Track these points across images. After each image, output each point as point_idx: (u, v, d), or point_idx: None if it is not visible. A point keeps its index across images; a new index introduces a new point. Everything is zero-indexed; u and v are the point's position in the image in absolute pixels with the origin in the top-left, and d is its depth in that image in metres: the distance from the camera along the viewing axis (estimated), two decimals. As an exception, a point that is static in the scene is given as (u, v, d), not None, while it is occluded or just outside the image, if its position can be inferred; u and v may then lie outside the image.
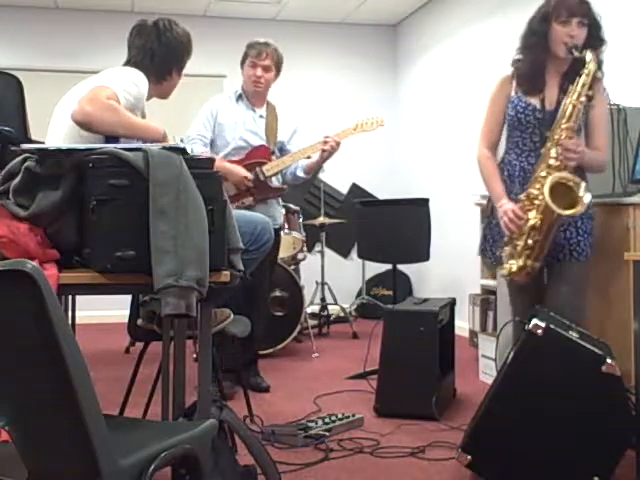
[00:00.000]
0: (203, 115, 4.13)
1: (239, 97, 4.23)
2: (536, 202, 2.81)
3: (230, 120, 4.13)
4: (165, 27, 2.78)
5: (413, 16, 7.35)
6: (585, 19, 2.85)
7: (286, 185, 4.30)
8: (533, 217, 2.81)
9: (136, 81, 2.60)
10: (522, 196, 2.86)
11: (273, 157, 4.15)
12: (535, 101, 2.93)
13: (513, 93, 2.98)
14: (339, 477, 2.80)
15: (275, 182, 4.17)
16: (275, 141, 4.19)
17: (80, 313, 3.92)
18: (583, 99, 2.82)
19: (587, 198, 2.77)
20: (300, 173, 4.22)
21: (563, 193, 2.78)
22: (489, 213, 3.08)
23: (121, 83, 2.52)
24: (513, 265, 2.87)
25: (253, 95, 4.19)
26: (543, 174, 2.82)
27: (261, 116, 4.21)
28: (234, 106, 4.20)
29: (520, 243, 2.84)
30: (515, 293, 3.10)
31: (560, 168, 2.82)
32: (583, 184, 2.79)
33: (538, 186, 2.82)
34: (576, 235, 2.92)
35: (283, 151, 4.21)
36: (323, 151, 4.01)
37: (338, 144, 4.01)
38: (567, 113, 2.82)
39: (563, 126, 2.82)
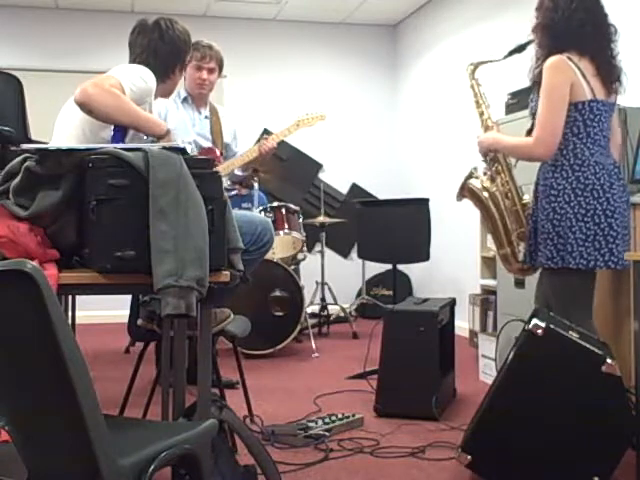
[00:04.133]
0: None
1: (184, 99, 4.22)
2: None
3: (179, 124, 4.09)
4: (167, 26, 2.80)
5: (413, 16, 7.35)
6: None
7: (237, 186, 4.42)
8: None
9: (144, 76, 2.60)
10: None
11: (222, 159, 4.19)
12: None
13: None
14: (339, 477, 2.80)
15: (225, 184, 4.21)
16: (222, 142, 4.22)
17: (80, 313, 3.93)
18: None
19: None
20: (237, 171, 4.31)
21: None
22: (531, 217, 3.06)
23: (128, 76, 2.52)
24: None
25: (197, 97, 4.21)
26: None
27: (206, 117, 4.22)
28: (180, 109, 4.19)
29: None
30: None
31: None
32: (469, 172, 3.15)
33: None
34: (534, 237, 2.99)
35: (227, 152, 4.27)
36: (260, 153, 4.15)
37: (272, 148, 4.17)
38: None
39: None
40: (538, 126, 2.85)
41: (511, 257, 3.08)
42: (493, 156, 3.10)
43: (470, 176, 3.14)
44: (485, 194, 3.11)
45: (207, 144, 4.14)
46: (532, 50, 3.00)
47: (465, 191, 3.15)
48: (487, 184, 3.12)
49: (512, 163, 3.12)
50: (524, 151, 2.96)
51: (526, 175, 3.20)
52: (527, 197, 3.09)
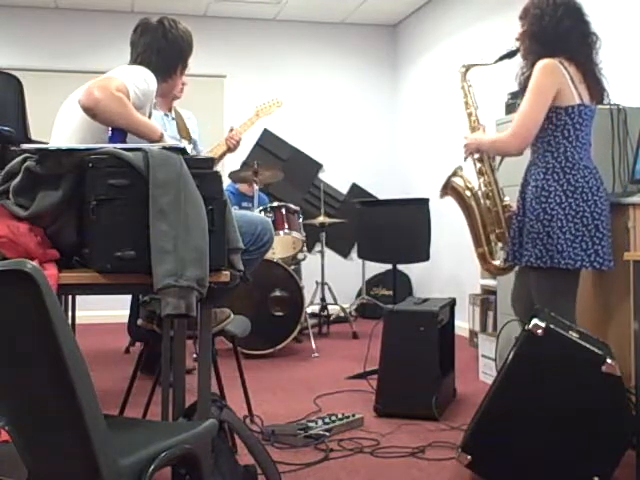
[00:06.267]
0: None
1: (154, 105, 4.22)
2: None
3: None
4: (170, 25, 2.79)
5: (413, 16, 7.35)
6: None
7: None
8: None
9: (146, 78, 2.59)
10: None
11: None
12: None
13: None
14: (339, 477, 2.80)
15: None
16: (190, 140, 4.23)
17: (80, 313, 3.92)
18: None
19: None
20: None
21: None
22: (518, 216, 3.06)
23: (132, 78, 2.50)
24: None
25: (171, 101, 4.11)
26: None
27: (173, 118, 4.24)
28: (154, 115, 4.21)
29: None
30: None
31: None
32: (453, 170, 3.20)
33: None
34: (518, 237, 3.00)
35: (195, 149, 4.27)
36: (228, 147, 4.23)
37: (238, 141, 4.25)
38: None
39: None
40: (516, 121, 2.92)
41: (488, 256, 3.19)
42: (478, 157, 3.15)
43: (454, 174, 3.19)
44: (467, 193, 3.16)
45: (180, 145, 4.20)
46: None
47: (448, 189, 3.20)
48: (470, 183, 3.18)
49: (495, 165, 3.17)
50: (499, 146, 3.05)
51: (508, 177, 3.24)
52: (507, 199, 3.16)
